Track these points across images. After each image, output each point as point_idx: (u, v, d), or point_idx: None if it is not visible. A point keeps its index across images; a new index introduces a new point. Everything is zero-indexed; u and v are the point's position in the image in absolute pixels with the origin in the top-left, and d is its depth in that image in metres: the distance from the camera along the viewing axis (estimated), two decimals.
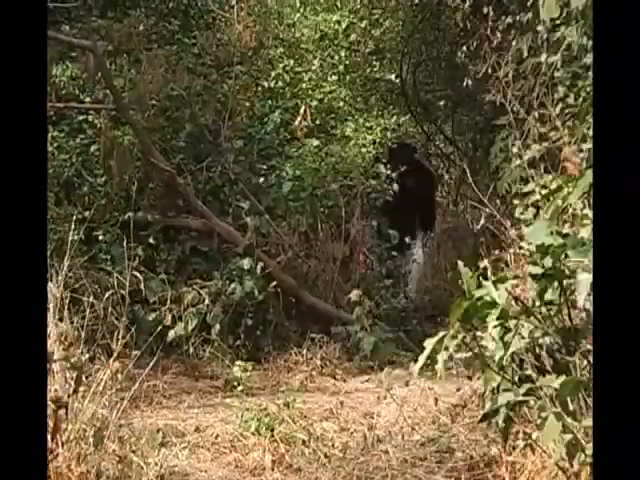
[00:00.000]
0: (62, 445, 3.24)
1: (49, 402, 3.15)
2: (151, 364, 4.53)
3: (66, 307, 4.37)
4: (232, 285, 7.21)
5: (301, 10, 10.61)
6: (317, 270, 7.92)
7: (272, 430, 4.65)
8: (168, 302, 6.76)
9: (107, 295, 5.24)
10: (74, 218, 5.67)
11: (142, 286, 5.89)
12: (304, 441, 4.63)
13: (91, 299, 4.78)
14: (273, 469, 4.40)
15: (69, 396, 3.31)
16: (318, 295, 7.76)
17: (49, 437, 3.16)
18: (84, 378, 3.37)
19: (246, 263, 7.28)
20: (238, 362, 5.54)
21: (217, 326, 6.93)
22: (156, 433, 4.21)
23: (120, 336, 4.10)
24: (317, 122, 9.29)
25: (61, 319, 4.21)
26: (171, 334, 6.60)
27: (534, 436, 3.14)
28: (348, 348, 7.07)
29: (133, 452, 3.68)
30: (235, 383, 5.34)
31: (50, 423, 3.17)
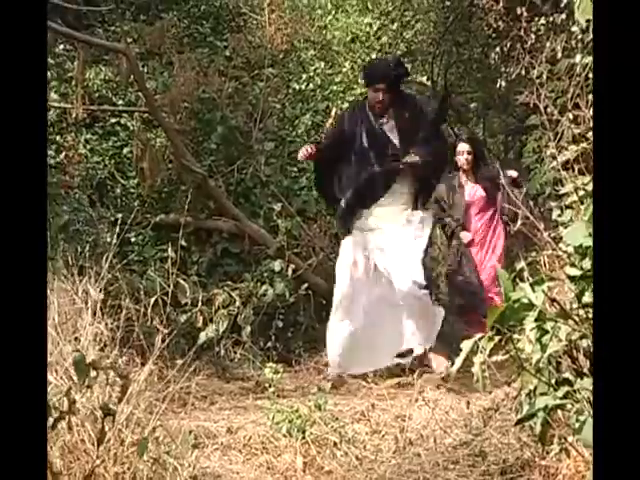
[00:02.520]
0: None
1: (97, 409, 3.18)
2: (191, 369, 4.51)
3: (100, 309, 4.39)
4: (263, 287, 7.22)
5: (332, 12, 10.63)
6: None
7: (303, 432, 4.63)
8: (199, 304, 6.77)
9: (141, 297, 5.27)
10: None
11: (174, 288, 5.91)
12: (335, 443, 4.61)
13: (127, 301, 4.80)
14: (305, 471, 4.39)
15: (115, 404, 3.33)
16: None
17: (95, 444, 3.18)
18: (117, 379, 3.38)
19: (277, 265, 7.29)
20: (269, 364, 5.53)
21: (248, 328, 6.95)
22: (188, 434, 4.21)
23: (159, 339, 4.11)
24: None
25: (97, 321, 4.25)
26: (202, 336, 6.61)
27: (570, 439, 3.11)
28: None
29: (167, 453, 3.69)
30: (266, 385, 5.33)
31: (96, 430, 3.20)
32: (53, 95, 8.39)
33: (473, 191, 7.44)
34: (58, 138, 8.39)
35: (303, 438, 4.58)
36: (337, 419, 4.86)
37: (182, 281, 6.40)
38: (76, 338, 4.20)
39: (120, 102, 8.68)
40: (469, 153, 7.46)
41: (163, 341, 4.13)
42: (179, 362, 4.66)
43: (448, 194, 7.48)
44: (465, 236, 7.43)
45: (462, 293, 7.32)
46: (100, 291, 4.55)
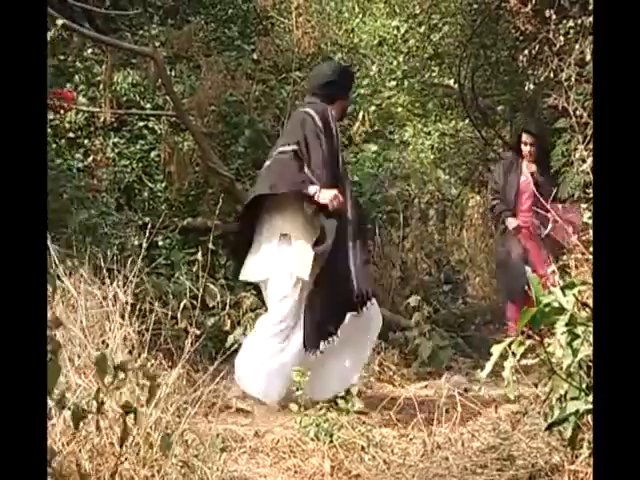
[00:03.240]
0: (127, 449, 3.28)
1: (119, 408, 3.19)
2: (220, 372, 4.52)
3: (128, 312, 4.41)
4: None
5: (360, 16, 10.64)
6: (375, 275, 7.88)
7: (331, 436, 4.62)
8: (227, 307, 6.77)
9: (169, 300, 5.28)
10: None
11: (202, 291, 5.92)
12: (363, 447, 4.60)
13: (155, 305, 4.82)
14: (332, 475, 4.37)
15: (143, 405, 3.34)
16: (376, 300, 7.71)
17: (119, 442, 3.20)
18: (146, 382, 3.39)
19: None
20: (296, 367, 5.52)
21: None
22: (216, 438, 4.21)
23: (189, 342, 4.12)
24: (375, 127, 9.29)
25: (126, 324, 4.26)
26: (230, 339, 6.61)
27: None
28: (406, 354, 7.02)
29: (195, 456, 3.69)
30: (294, 388, 5.33)
31: (118, 429, 3.21)
32: (81, 99, 8.44)
33: (530, 180, 7.22)
34: (86, 142, 8.45)
35: (331, 442, 4.57)
36: (364, 423, 4.84)
37: (211, 285, 6.40)
38: (104, 341, 4.22)
39: (148, 106, 8.72)
40: (531, 145, 7.31)
41: (192, 344, 4.14)
42: (208, 366, 4.67)
43: (503, 174, 7.43)
44: (511, 222, 7.30)
45: (510, 281, 7.24)
46: (128, 294, 4.56)
